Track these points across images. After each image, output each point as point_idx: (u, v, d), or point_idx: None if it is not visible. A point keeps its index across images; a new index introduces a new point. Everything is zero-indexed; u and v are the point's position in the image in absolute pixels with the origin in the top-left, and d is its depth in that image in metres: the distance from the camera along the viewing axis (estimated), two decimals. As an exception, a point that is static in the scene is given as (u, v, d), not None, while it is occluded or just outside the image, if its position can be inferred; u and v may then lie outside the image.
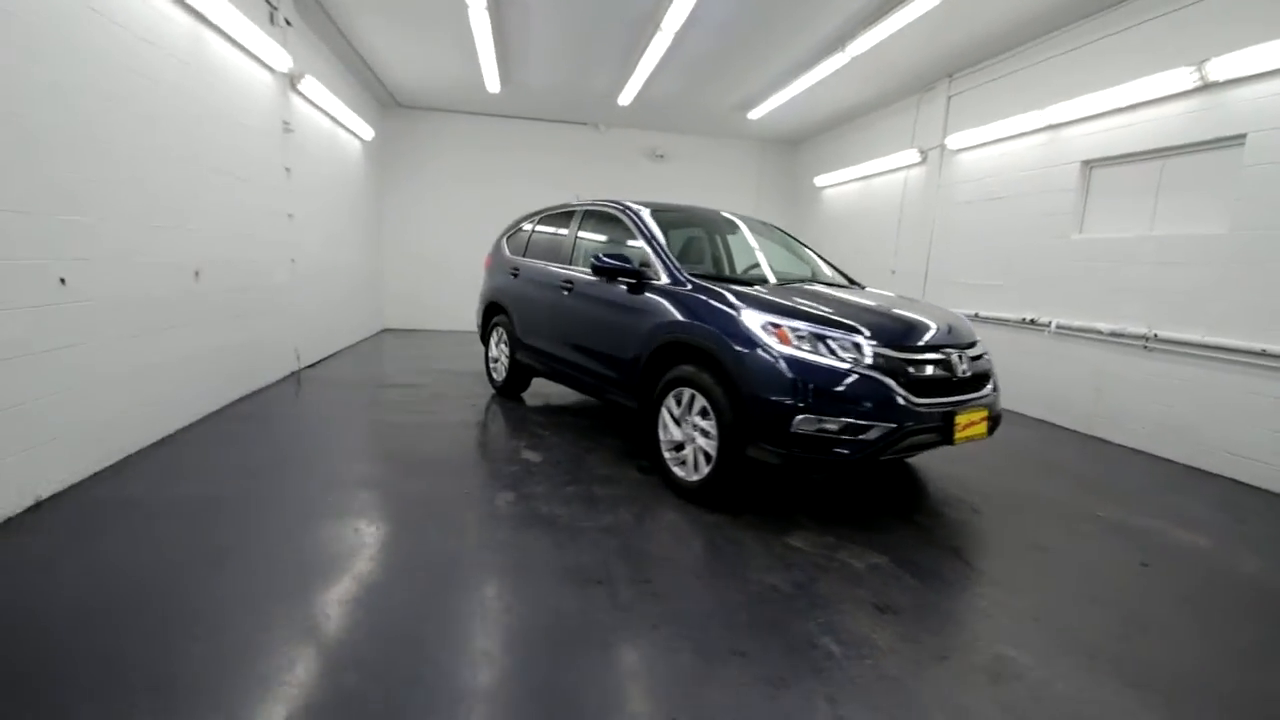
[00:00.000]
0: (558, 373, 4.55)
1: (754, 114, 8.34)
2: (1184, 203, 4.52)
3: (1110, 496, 3.66)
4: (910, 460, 4.05)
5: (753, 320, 2.92)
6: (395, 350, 7.91)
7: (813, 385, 2.69)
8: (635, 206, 4.10)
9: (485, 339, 5.74)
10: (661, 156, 10.06)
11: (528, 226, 5.32)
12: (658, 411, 3.38)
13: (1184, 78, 4.30)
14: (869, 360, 2.77)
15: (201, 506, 2.85)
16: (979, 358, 3.16)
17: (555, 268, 4.61)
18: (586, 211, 4.62)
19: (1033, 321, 5.56)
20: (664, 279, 3.53)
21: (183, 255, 3.89)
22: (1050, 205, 5.49)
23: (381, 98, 8.74)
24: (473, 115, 9.39)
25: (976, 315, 6.06)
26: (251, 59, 4.77)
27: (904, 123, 7.57)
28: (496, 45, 6.29)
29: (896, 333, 2.94)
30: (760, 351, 2.82)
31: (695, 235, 4.39)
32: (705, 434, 3.06)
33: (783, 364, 2.75)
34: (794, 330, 2.83)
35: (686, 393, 3.17)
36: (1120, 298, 4.84)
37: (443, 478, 3.45)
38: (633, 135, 9.95)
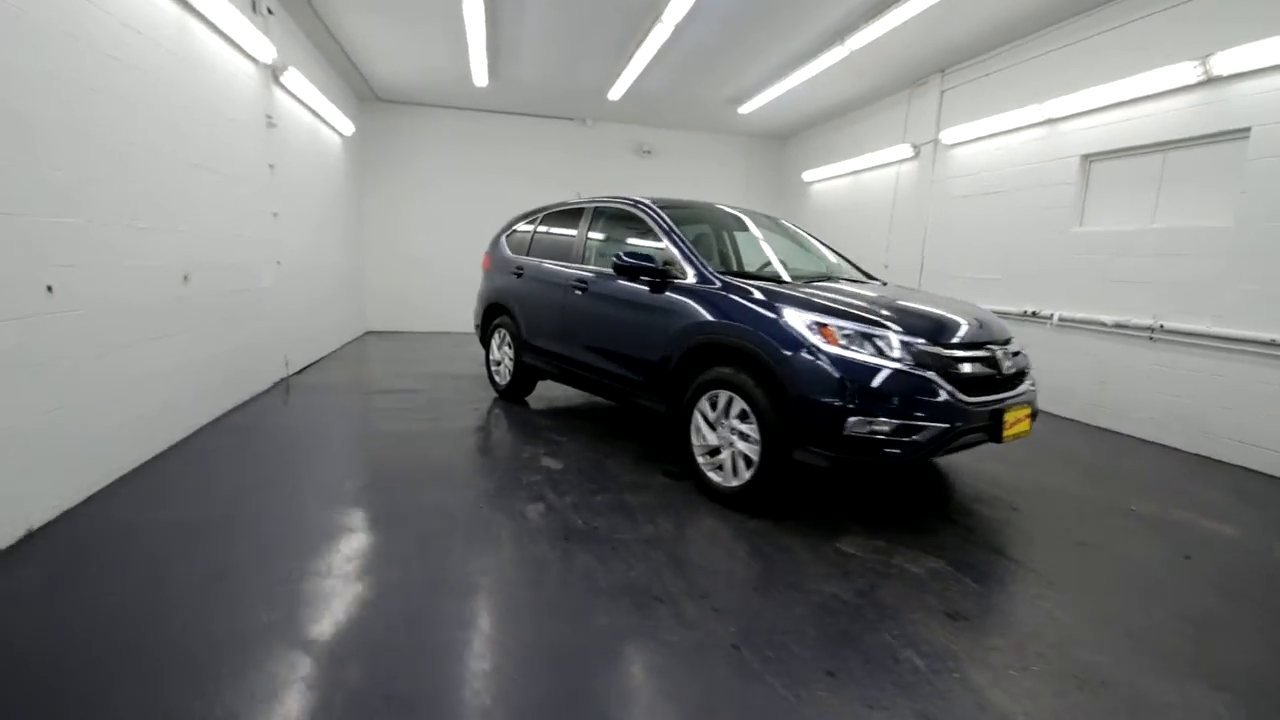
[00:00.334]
0: (571, 375, 4.39)
1: (745, 108, 8.26)
2: (1186, 196, 4.59)
3: (1134, 488, 3.69)
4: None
5: (796, 320, 2.82)
6: (384, 353, 7.62)
7: (863, 386, 2.61)
8: (649, 202, 3.97)
9: (485, 341, 5.54)
10: (649, 152, 9.93)
11: (529, 225, 5.15)
12: (690, 415, 3.26)
13: (1187, 72, 4.35)
14: (917, 359, 2.70)
15: (202, 530, 2.64)
16: (1018, 353, 3.13)
17: (565, 267, 4.45)
18: (596, 209, 4.47)
19: (1035, 314, 5.61)
20: (690, 278, 3.42)
21: (172, 258, 3.63)
22: (1049, 199, 5.54)
23: (361, 91, 8.41)
24: (456, 110, 9.10)
25: (977, 309, 6.09)
26: (236, 50, 4.49)
27: (895, 117, 7.58)
28: (489, 37, 6.07)
29: (941, 330, 2.87)
30: (806, 352, 2.73)
31: (703, 232, 4.26)
32: (745, 438, 2.96)
33: (831, 364, 2.66)
34: (840, 329, 2.74)
35: (723, 395, 3.06)
36: (1123, 290, 4.90)
37: (457, 489, 3.28)
38: (620, 130, 9.79)
